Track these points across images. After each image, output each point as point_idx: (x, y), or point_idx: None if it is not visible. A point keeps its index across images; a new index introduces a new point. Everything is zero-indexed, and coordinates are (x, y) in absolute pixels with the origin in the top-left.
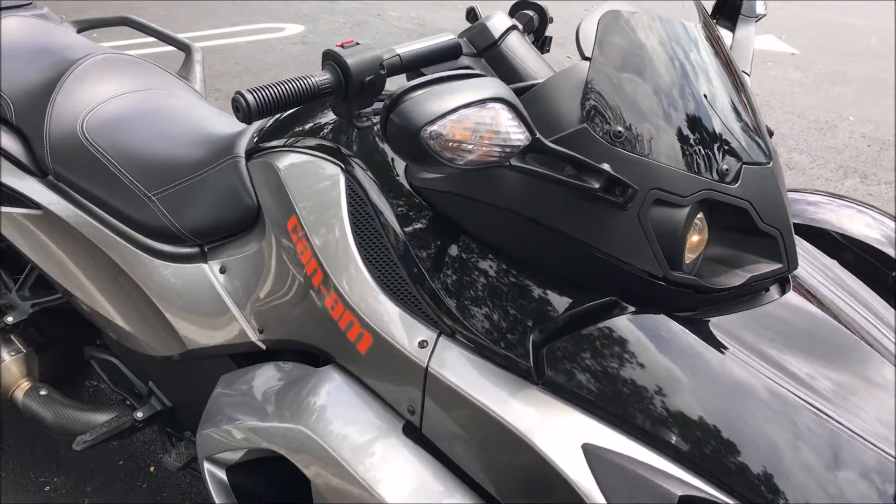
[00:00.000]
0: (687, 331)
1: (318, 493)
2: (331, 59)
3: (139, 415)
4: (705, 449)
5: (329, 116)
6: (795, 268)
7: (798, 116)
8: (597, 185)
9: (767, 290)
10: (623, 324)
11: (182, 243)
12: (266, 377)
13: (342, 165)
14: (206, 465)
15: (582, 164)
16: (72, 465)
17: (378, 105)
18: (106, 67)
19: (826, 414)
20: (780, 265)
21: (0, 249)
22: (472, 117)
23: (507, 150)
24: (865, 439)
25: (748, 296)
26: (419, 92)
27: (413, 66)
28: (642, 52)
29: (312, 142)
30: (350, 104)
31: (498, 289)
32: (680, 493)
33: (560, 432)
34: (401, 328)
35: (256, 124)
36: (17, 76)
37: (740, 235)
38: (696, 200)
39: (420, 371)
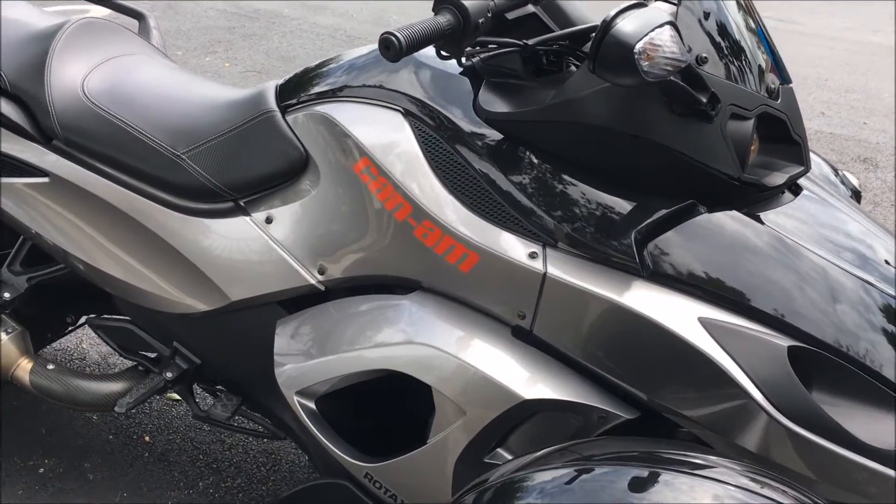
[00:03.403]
0: (753, 221)
1: (442, 397)
2: (450, 3)
3: (168, 374)
4: (790, 313)
5: (370, 69)
6: (809, 169)
7: None
8: (704, 100)
9: (783, 192)
10: (707, 220)
11: (216, 199)
12: (343, 312)
13: (401, 109)
14: (297, 399)
15: (700, 82)
16: (57, 445)
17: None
18: (88, 32)
19: (854, 274)
20: (802, 167)
21: None
22: (658, 37)
23: (672, 66)
24: (879, 287)
25: (771, 196)
26: (623, 16)
27: (504, 10)
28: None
29: (363, 91)
30: (462, 44)
31: (590, 200)
32: (787, 345)
33: (676, 311)
34: (507, 245)
35: (273, 83)
36: None
37: (774, 144)
38: (757, 114)
39: (537, 277)
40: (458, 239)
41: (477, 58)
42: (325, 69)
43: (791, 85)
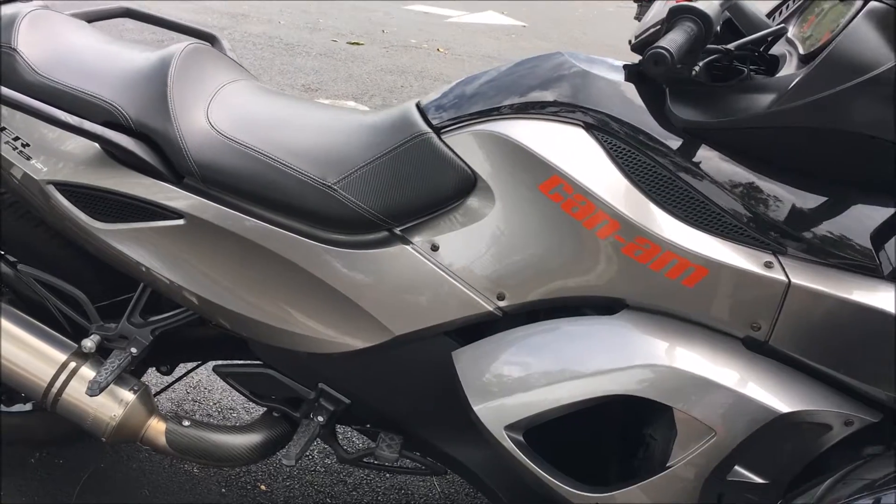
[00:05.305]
0: None
1: (687, 417)
2: (688, 12)
3: (320, 418)
4: None
5: (532, 84)
6: None
7: None
8: None
9: None
10: None
11: (370, 229)
12: (542, 338)
13: (581, 123)
14: (507, 434)
15: None
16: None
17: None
18: (196, 61)
19: None
20: None
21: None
22: None
23: None
24: None
25: None
26: None
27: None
28: None
29: (533, 107)
30: (700, 53)
31: (816, 203)
32: None
33: None
34: (738, 256)
35: (410, 104)
36: (100, 78)
37: None
38: None
39: (779, 287)
40: (682, 254)
41: (699, 66)
42: (473, 87)
43: None
